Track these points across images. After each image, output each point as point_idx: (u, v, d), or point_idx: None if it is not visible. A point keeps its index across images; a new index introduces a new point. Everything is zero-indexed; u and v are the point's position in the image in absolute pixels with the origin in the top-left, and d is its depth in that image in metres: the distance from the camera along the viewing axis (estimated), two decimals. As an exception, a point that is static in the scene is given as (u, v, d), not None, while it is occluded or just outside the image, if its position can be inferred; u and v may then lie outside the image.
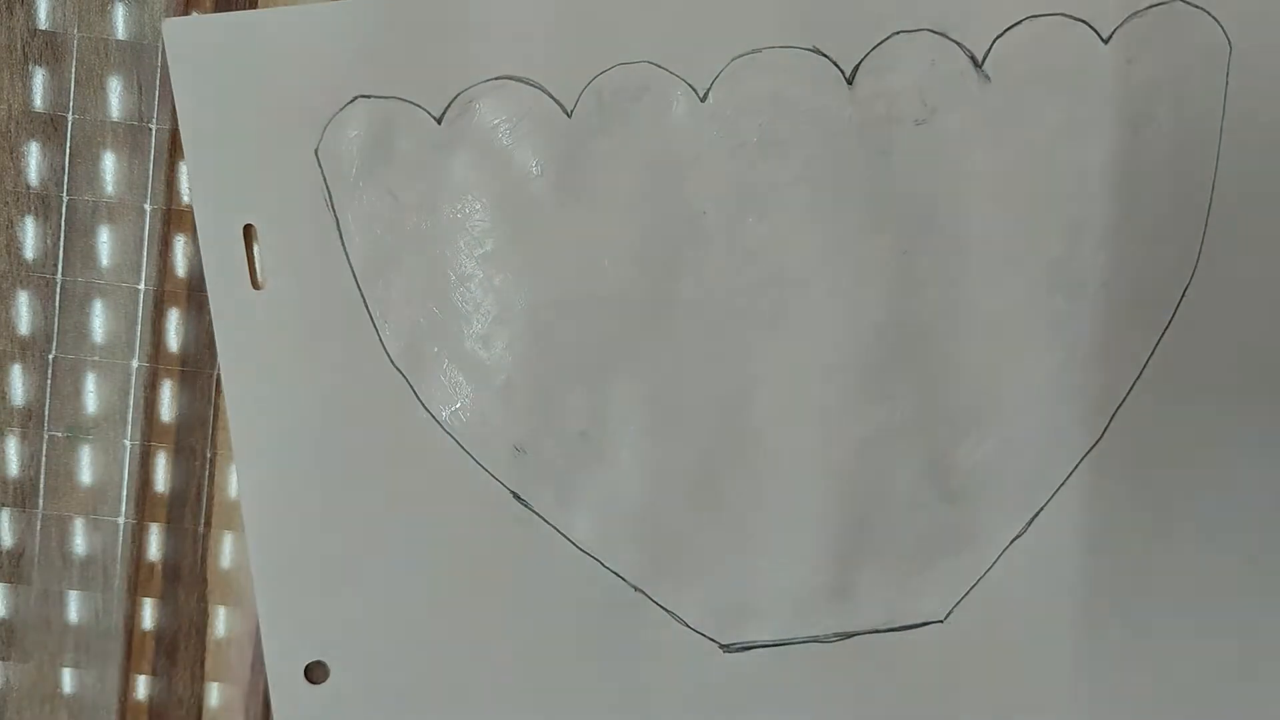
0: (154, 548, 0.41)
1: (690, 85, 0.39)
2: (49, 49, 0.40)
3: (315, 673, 0.39)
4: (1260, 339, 0.39)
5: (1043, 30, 0.38)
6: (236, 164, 0.38)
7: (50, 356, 0.40)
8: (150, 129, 0.40)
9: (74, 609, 0.41)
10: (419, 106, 0.38)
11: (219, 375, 0.40)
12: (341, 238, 0.39)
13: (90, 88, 0.40)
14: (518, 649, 0.39)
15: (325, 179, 0.39)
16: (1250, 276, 0.39)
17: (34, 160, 0.40)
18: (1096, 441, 0.39)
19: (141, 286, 0.40)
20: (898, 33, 0.38)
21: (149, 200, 0.40)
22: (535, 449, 0.39)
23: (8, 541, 0.41)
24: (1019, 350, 0.39)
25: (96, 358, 0.40)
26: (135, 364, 0.40)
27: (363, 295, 0.39)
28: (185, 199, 0.40)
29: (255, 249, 0.39)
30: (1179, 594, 0.39)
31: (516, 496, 0.39)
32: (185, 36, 0.38)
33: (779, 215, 0.39)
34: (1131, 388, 0.39)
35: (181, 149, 0.39)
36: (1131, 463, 0.39)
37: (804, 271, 0.39)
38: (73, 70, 0.40)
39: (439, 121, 0.39)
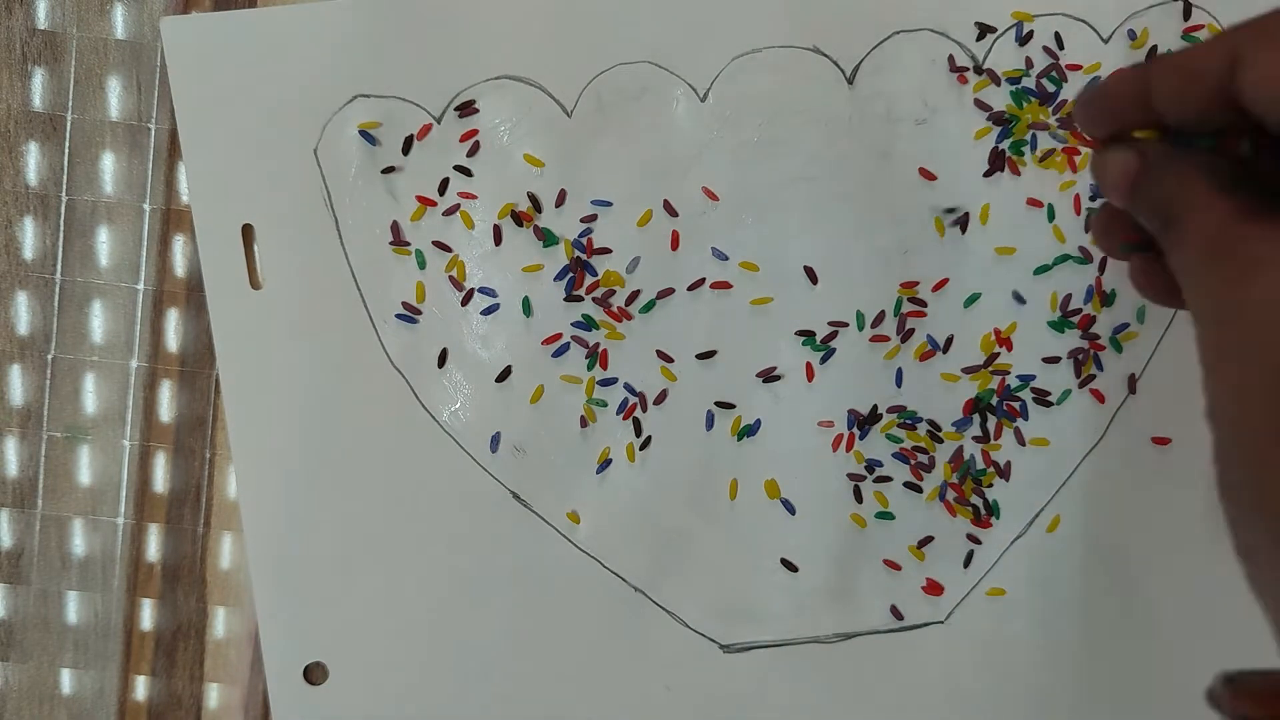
0: (153, 548, 0.41)
1: (690, 85, 0.38)
2: (48, 49, 0.40)
3: (314, 673, 0.39)
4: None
5: (1044, 30, 0.38)
6: (235, 164, 0.38)
7: (49, 357, 0.40)
8: (149, 129, 0.40)
9: (73, 609, 0.41)
10: (418, 106, 0.38)
11: (218, 375, 0.39)
12: (340, 238, 0.39)
13: (89, 87, 0.40)
14: (517, 649, 0.39)
15: (324, 179, 0.39)
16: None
17: (33, 160, 0.40)
18: (1097, 442, 0.39)
19: (141, 286, 0.40)
20: (898, 32, 0.38)
21: (148, 200, 0.40)
22: (535, 449, 0.39)
23: (7, 542, 0.41)
24: (1019, 350, 0.39)
25: (95, 358, 0.40)
26: (134, 364, 0.40)
27: (362, 295, 0.39)
28: (185, 199, 0.40)
29: (254, 249, 0.39)
30: (1179, 593, 0.39)
31: (516, 496, 0.39)
32: (184, 35, 0.38)
33: (779, 214, 0.39)
34: (1132, 388, 0.39)
35: (180, 149, 0.39)
36: (1132, 462, 0.39)
37: (804, 270, 0.39)
38: (72, 70, 0.40)
39: (438, 120, 0.39)
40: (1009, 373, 0.39)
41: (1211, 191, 0.24)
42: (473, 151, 0.39)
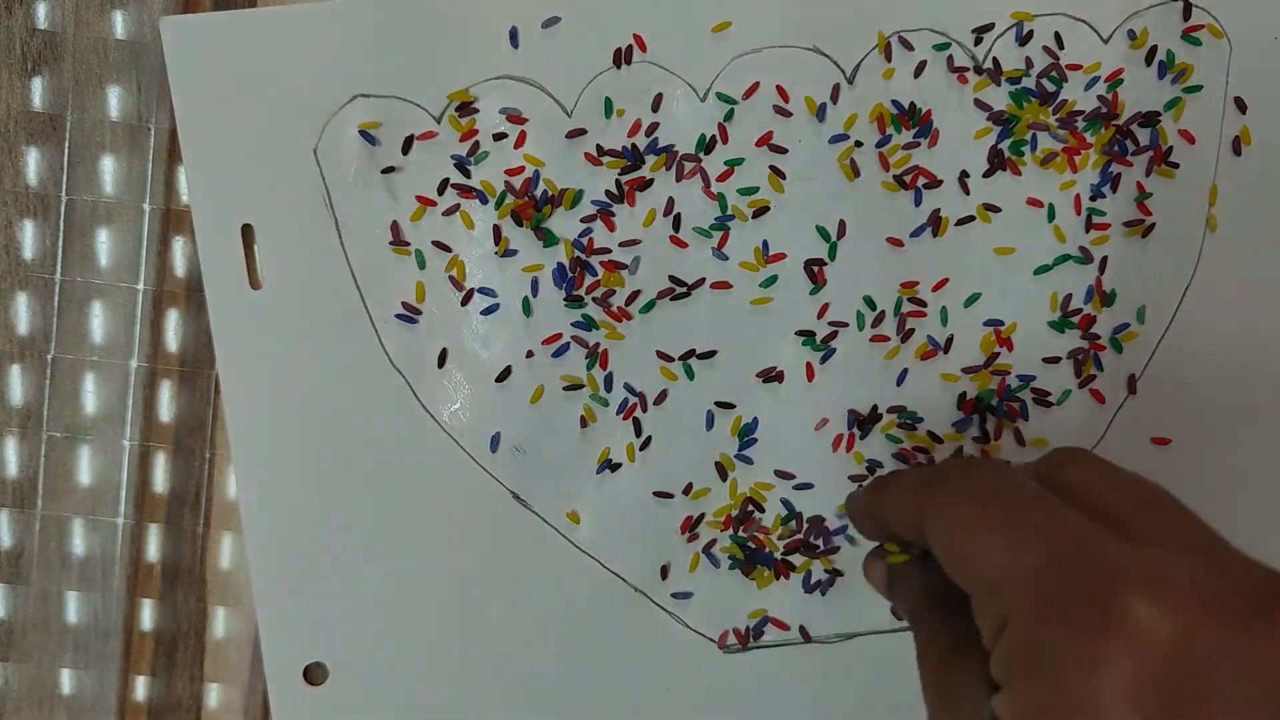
0: (153, 548, 0.41)
1: (690, 85, 0.38)
2: (48, 49, 0.40)
3: (314, 674, 0.39)
4: (1259, 340, 0.39)
5: (1044, 30, 0.38)
6: (235, 164, 0.38)
7: (49, 357, 0.40)
8: (149, 129, 0.40)
9: (73, 610, 0.41)
10: (418, 105, 0.38)
11: (218, 375, 0.39)
12: (340, 237, 0.39)
13: (89, 87, 0.40)
14: (517, 650, 0.39)
15: (324, 178, 0.38)
16: (1250, 278, 0.39)
17: (33, 160, 0.40)
18: (1097, 442, 0.39)
19: (140, 286, 0.40)
20: (898, 32, 0.38)
21: (148, 200, 0.40)
22: (535, 449, 0.39)
23: (6, 542, 0.41)
24: (1019, 350, 0.39)
25: (95, 358, 0.40)
26: (134, 364, 0.40)
27: (362, 295, 0.39)
28: (184, 199, 0.40)
29: (254, 249, 0.39)
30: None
31: (516, 496, 0.39)
32: (183, 35, 0.38)
33: (779, 214, 0.39)
34: (1132, 388, 0.39)
35: (180, 149, 0.39)
36: (1131, 463, 0.39)
37: (804, 270, 0.39)
38: (71, 70, 0.40)
39: (438, 120, 0.39)
40: (1009, 373, 0.39)
41: (928, 615, 0.27)
42: (472, 151, 0.39)
